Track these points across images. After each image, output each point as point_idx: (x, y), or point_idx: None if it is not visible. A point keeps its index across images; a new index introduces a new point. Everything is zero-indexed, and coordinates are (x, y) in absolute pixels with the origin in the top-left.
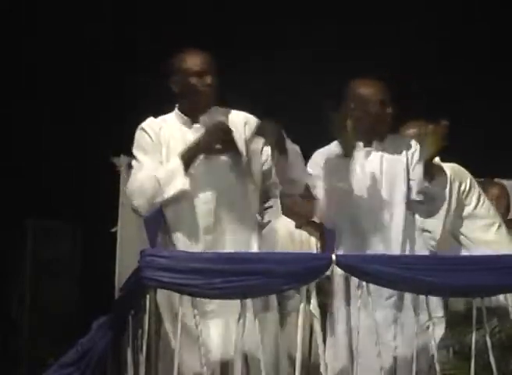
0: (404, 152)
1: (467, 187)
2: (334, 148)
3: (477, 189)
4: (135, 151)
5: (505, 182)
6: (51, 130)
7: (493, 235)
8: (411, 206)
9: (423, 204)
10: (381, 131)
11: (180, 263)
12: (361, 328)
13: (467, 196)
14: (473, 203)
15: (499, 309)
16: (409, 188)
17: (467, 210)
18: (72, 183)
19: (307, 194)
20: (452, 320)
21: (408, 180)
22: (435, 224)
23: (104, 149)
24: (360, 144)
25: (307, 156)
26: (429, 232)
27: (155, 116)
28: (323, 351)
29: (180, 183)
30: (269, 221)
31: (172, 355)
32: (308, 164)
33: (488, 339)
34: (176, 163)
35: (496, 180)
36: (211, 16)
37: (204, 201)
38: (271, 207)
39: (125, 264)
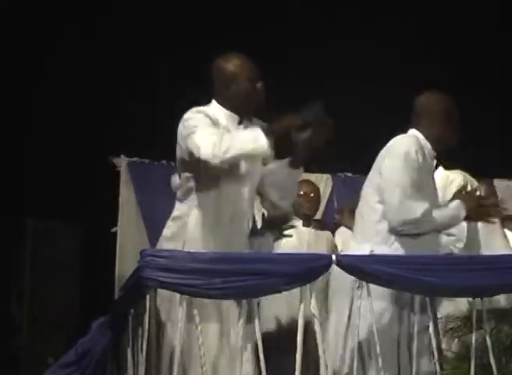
0: None
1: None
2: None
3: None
4: (195, 125)
5: (505, 182)
6: (51, 130)
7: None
8: None
9: None
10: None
11: (180, 263)
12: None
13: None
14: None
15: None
16: None
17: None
18: (72, 183)
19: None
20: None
21: None
22: (460, 228)
23: (104, 149)
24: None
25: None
26: (454, 235)
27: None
28: (323, 351)
29: (264, 143)
30: None
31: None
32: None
33: (488, 339)
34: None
35: (496, 180)
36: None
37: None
38: None
39: (125, 264)
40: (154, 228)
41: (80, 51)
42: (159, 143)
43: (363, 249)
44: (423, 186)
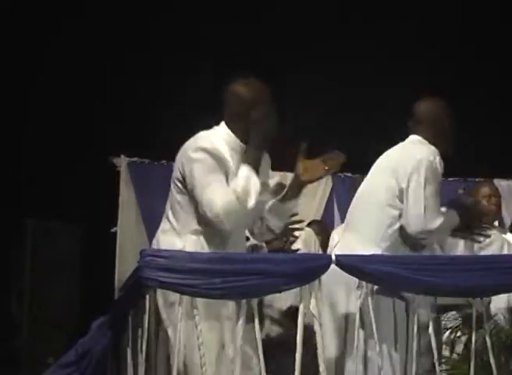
0: None
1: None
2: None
3: None
4: (202, 175)
5: (505, 182)
6: (51, 130)
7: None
8: None
9: None
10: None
11: (180, 263)
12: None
13: None
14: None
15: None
16: None
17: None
18: (72, 183)
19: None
20: None
21: None
22: None
23: (104, 149)
24: None
25: None
26: None
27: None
28: (323, 351)
29: (255, 187)
30: None
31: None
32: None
33: (488, 339)
34: (246, 169)
35: (496, 180)
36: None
37: None
38: None
39: (125, 264)
40: (154, 228)
41: (80, 51)
42: (159, 143)
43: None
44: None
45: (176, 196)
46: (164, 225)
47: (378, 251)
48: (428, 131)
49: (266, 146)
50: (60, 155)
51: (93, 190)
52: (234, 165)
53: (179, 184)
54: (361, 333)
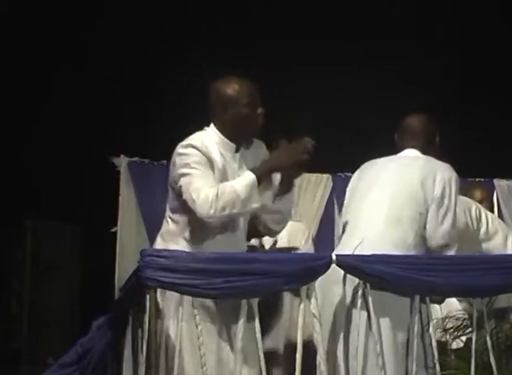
0: None
1: (477, 212)
2: None
3: (483, 210)
4: (189, 166)
5: (505, 182)
6: (51, 130)
7: None
8: None
9: None
10: None
11: (180, 263)
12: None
13: (479, 219)
14: (484, 224)
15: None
16: None
17: (483, 231)
18: (72, 183)
19: None
20: None
21: None
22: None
23: (104, 149)
24: None
25: None
26: None
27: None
28: (323, 351)
29: (256, 200)
30: None
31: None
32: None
33: (488, 339)
34: (252, 178)
35: (496, 180)
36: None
37: None
38: None
39: (125, 264)
40: (154, 228)
41: (80, 51)
42: (159, 143)
43: None
44: None
45: (172, 201)
46: (163, 228)
47: None
48: (421, 147)
49: (246, 144)
50: (60, 155)
51: (93, 190)
52: (227, 165)
53: (173, 189)
54: (362, 332)
